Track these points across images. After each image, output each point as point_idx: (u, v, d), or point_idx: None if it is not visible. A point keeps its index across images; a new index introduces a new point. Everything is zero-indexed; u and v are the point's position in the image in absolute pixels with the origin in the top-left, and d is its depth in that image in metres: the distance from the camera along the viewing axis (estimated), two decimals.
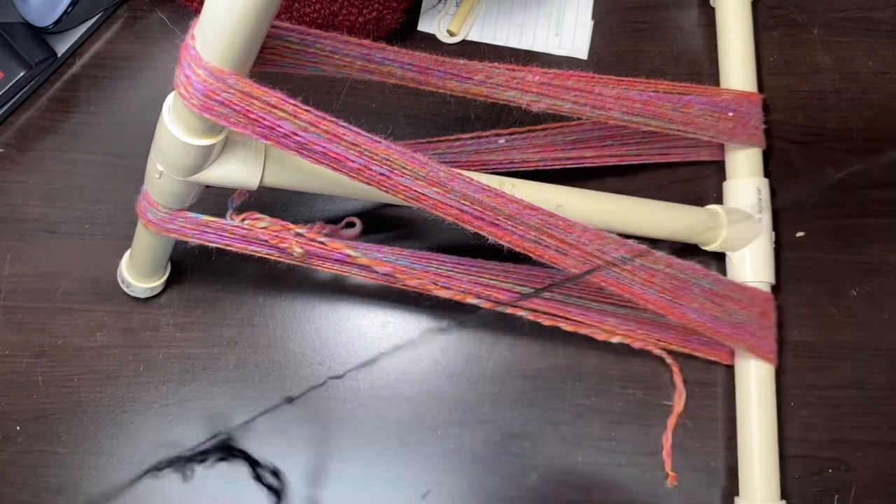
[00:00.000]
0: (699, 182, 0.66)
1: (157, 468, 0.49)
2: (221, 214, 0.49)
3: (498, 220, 0.46)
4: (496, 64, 0.51)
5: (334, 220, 0.55)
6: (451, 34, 0.68)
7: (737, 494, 0.59)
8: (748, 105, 0.62)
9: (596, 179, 0.64)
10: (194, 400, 0.60)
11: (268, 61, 0.43)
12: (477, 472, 0.60)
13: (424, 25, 0.68)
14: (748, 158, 0.63)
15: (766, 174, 0.64)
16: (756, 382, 0.59)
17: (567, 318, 0.57)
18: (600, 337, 0.58)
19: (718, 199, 0.64)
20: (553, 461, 0.60)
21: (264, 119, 0.39)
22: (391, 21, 0.63)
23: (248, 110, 0.39)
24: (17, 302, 0.61)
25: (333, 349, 0.62)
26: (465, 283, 0.54)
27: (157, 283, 0.59)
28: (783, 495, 0.58)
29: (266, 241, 0.50)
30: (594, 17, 0.69)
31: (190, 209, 0.48)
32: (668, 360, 0.61)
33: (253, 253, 0.51)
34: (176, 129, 0.41)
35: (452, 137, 0.61)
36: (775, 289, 0.62)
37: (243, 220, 0.50)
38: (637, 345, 0.60)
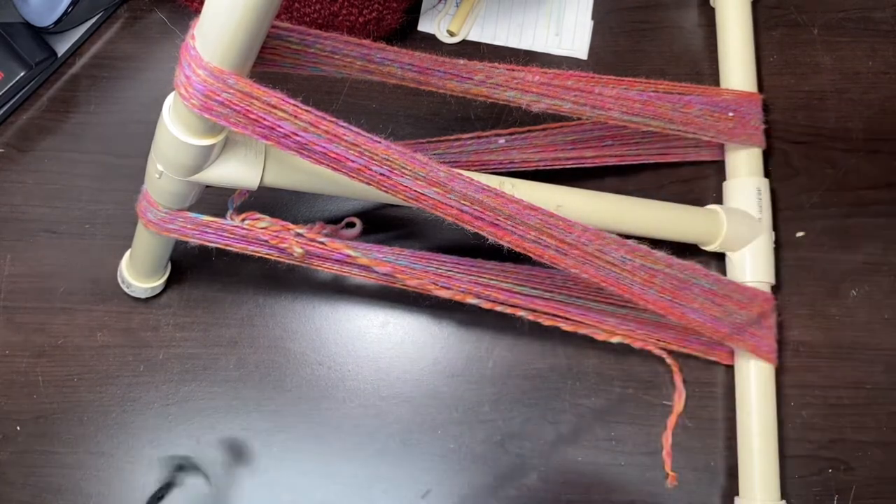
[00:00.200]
0: (699, 182, 0.66)
1: None
2: (221, 214, 0.49)
3: (498, 220, 0.46)
4: (496, 64, 0.51)
5: (334, 220, 0.55)
6: (451, 34, 0.68)
7: (736, 494, 0.59)
8: (748, 105, 0.62)
9: (596, 179, 0.64)
10: (194, 400, 0.60)
11: (268, 61, 0.43)
12: (477, 472, 0.60)
13: (424, 25, 0.68)
14: (748, 158, 0.63)
15: (766, 174, 0.64)
16: (756, 382, 0.59)
17: (567, 318, 0.57)
18: (600, 337, 0.58)
19: (718, 199, 0.64)
20: (553, 461, 0.60)
21: (264, 119, 0.39)
22: (391, 21, 0.63)
23: (248, 110, 0.39)
24: (17, 302, 0.61)
25: (333, 349, 0.62)
26: (465, 283, 0.54)
27: (158, 283, 0.59)
28: (783, 495, 0.58)
29: (266, 241, 0.50)
30: (594, 17, 0.69)
31: (190, 209, 0.48)
32: (668, 360, 0.61)
33: (253, 253, 0.50)
34: (176, 129, 0.41)
35: (452, 137, 0.61)
36: (775, 289, 0.62)
37: (243, 220, 0.50)
38: (637, 345, 0.60)
